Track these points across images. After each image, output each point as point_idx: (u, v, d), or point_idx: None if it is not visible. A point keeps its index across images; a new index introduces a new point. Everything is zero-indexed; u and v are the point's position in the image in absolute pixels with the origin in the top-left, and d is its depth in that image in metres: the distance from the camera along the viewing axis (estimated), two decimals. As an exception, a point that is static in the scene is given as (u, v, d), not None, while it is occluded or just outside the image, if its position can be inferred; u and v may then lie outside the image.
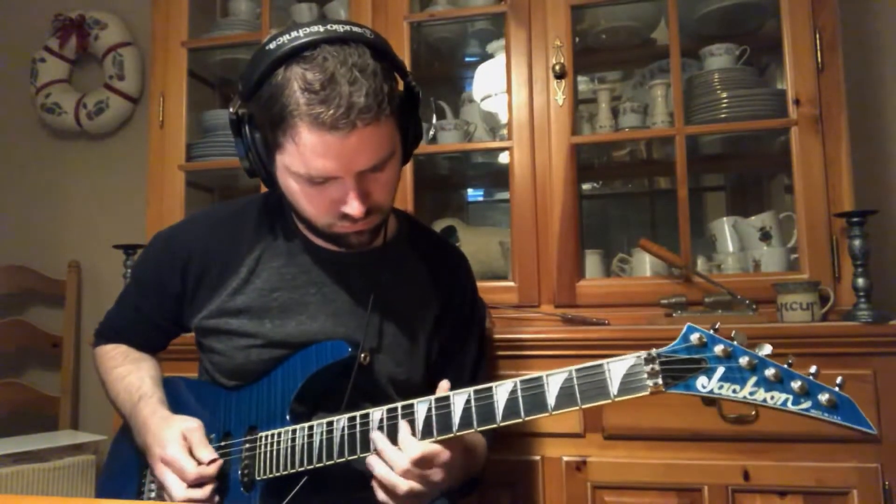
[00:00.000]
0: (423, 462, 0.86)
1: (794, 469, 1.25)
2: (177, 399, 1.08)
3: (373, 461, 0.88)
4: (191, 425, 0.97)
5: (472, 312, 1.15)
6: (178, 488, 0.92)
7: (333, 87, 0.82)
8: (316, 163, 0.86)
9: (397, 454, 0.86)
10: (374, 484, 0.88)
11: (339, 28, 0.86)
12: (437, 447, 0.86)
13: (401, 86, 0.94)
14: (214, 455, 0.95)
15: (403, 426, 0.87)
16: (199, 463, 0.93)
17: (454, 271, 1.14)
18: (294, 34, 0.85)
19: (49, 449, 1.95)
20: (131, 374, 1.10)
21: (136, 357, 1.15)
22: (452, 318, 1.11)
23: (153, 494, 1.04)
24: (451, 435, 0.85)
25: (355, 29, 0.88)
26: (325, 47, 0.84)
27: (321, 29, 0.85)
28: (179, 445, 0.94)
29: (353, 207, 0.89)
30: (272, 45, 0.86)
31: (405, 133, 0.95)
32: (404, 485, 0.85)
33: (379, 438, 0.88)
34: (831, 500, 1.23)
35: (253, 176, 0.96)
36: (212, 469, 0.93)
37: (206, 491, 0.93)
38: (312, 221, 0.95)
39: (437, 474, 0.88)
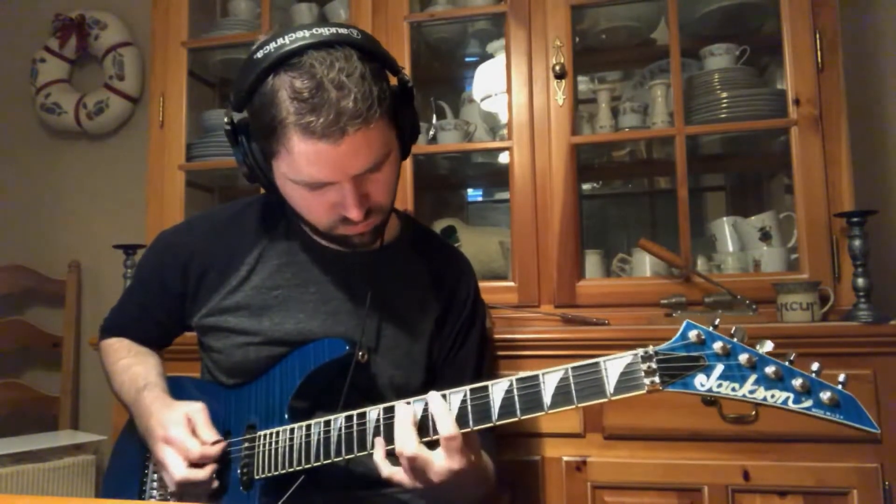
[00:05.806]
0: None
1: (794, 469, 1.24)
2: (177, 397, 1.07)
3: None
4: (195, 406, 0.97)
5: (473, 315, 1.14)
6: (178, 467, 0.92)
7: (322, 95, 0.81)
8: (310, 170, 0.86)
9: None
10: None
11: (325, 31, 0.85)
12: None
13: (394, 81, 0.93)
14: (218, 436, 0.95)
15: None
16: (203, 443, 0.93)
17: (457, 275, 1.14)
18: (280, 41, 0.84)
19: (49, 449, 1.95)
20: (136, 365, 1.11)
21: (140, 350, 1.15)
22: (453, 321, 1.11)
23: (154, 493, 1.04)
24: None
25: (341, 31, 0.86)
26: (311, 53, 0.83)
27: (307, 34, 0.85)
28: (183, 426, 0.94)
29: (352, 212, 0.89)
30: (260, 54, 0.85)
31: (401, 129, 0.94)
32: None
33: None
34: (831, 500, 1.23)
35: (253, 182, 0.96)
36: (215, 449, 0.93)
37: (207, 471, 0.93)
38: (315, 225, 0.95)
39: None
